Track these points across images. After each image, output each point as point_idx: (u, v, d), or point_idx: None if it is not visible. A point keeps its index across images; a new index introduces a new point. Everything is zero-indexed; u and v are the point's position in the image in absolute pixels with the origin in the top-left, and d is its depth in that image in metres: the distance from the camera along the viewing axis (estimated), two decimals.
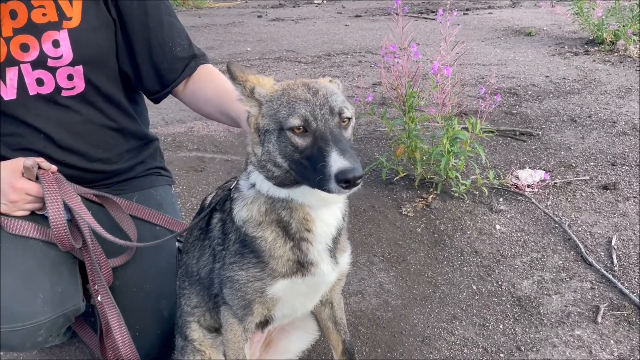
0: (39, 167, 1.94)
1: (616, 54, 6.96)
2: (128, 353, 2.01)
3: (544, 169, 3.89)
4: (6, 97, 1.94)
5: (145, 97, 2.39)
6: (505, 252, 3.10)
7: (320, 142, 1.52)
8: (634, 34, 6.95)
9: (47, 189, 1.92)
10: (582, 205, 3.50)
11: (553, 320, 2.58)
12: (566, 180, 3.79)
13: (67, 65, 1.97)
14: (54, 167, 1.99)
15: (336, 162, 1.47)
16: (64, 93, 2.01)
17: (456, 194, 3.64)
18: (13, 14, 1.88)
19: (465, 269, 2.98)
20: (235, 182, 1.86)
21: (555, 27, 8.68)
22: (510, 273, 2.92)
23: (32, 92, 1.96)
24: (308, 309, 2.05)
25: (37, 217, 2.01)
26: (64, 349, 2.48)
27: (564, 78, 6.07)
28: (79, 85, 2.02)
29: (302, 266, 1.78)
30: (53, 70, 1.96)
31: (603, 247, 3.08)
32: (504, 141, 4.51)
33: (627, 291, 2.70)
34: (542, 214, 3.42)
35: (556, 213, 3.42)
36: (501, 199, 3.61)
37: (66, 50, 1.94)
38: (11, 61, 1.91)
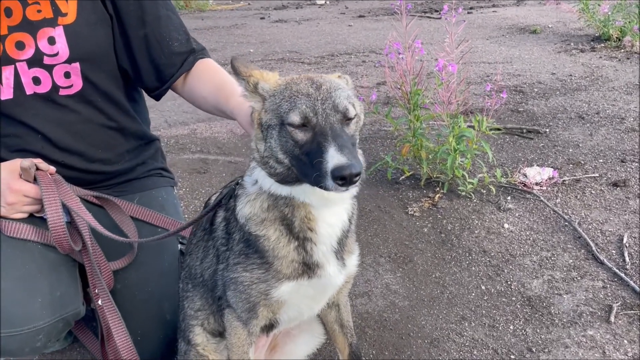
0: (37, 168, 1.90)
1: (623, 50, 6.87)
2: (129, 358, 1.97)
3: (552, 167, 3.82)
4: (3, 97, 1.90)
5: (146, 96, 2.35)
6: (514, 251, 3.04)
7: (319, 138, 1.48)
8: None
9: (45, 190, 1.87)
10: (591, 202, 3.44)
11: (565, 320, 2.52)
12: (575, 177, 3.73)
13: (63, 62, 1.92)
14: (52, 168, 1.95)
15: (333, 158, 1.41)
16: (62, 92, 1.97)
17: (463, 193, 3.58)
18: (8, 12, 1.85)
19: (473, 268, 2.92)
20: (239, 178, 1.81)
21: (560, 25, 8.60)
22: (520, 272, 2.86)
23: (29, 92, 1.92)
24: (315, 312, 1.99)
25: (36, 219, 1.97)
26: (65, 354, 2.44)
27: (571, 75, 6.00)
28: (77, 83, 1.98)
29: (308, 268, 1.72)
30: (49, 68, 1.92)
31: (614, 245, 3.01)
32: (510, 139, 4.44)
33: None
34: (551, 212, 3.36)
35: (565, 211, 3.36)
36: (509, 198, 3.55)
37: (62, 47, 1.90)
38: (7, 60, 1.87)
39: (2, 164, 1.91)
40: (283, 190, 1.63)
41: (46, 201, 1.87)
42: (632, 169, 3.80)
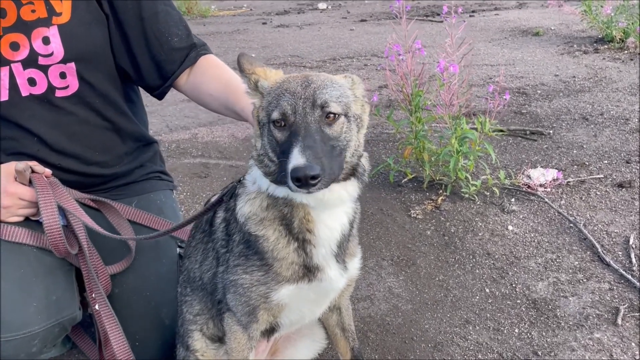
0: (32, 171, 1.88)
1: (626, 51, 6.83)
2: None
3: (556, 168, 3.78)
4: None
5: (146, 100, 2.33)
6: (519, 253, 2.99)
7: (292, 137, 1.46)
8: None
9: (41, 193, 1.85)
10: (597, 204, 3.39)
11: (571, 323, 2.47)
12: (580, 178, 3.68)
13: (58, 62, 1.90)
14: (48, 171, 1.92)
15: (294, 158, 1.39)
16: (58, 93, 1.94)
17: (466, 195, 3.54)
18: (2, 13, 1.83)
19: (477, 271, 2.88)
20: (242, 177, 1.78)
21: (563, 27, 8.56)
22: (525, 275, 2.81)
23: (24, 93, 1.90)
24: (316, 316, 1.96)
25: (32, 223, 1.94)
26: None
27: (574, 76, 5.96)
28: (73, 83, 1.95)
29: (308, 271, 1.69)
30: (44, 69, 1.90)
31: (620, 247, 2.96)
32: (514, 141, 4.40)
33: None
34: (556, 214, 3.31)
35: (570, 212, 3.31)
36: (513, 200, 3.51)
37: (57, 47, 1.88)
38: (1, 61, 1.84)
39: None
40: (280, 191, 1.60)
41: (42, 204, 1.84)
42: (637, 169, 3.75)
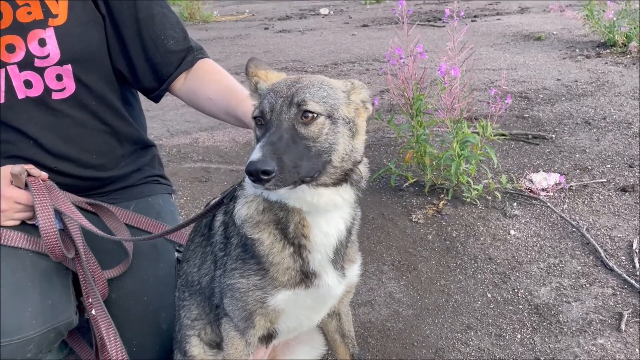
0: (28, 175, 1.86)
1: (629, 55, 6.80)
2: None
3: (558, 172, 3.75)
4: None
5: (145, 102, 2.31)
6: (521, 258, 2.96)
7: (264, 134, 1.44)
8: None
9: (37, 196, 1.83)
10: (599, 208, 3.36)
11: (574, 328, 2.44)
12: (582, 183, 3.65)
13: (55, 64, 1.88)
14: (44, 174, 1.91)
15: (253, 153, 1.37)
16: (55, 95, 1.93)
17: (468, 200, 3.51)
18: None
19: (479, 276, 2.85)
20: (241, 180, 1.76)
21: (565, 31, 8.55)
22: (527, 280, 2.78)
23: (20, 96, 1.88)
24: (314, 323, 1.93)
25: (28, 226, 1.92)
26: None
27: (576, 81, 5.93)
28: (69, 86, 1.93)
29: (306, 277, 1.66)
30: (41, 71, 1.88)
31: (624, 252, 2.93)
32: (516, 145, 4.38)
33: None
34: (559, 218, 3.28)
35: (573, 217, 3.28)
36: (515, 204, 3.48)
37: (53, 48, 1.86)
38: None
39: None
40: (273, 195, 1.56)
41: (38, 208, 1.82)
42: None
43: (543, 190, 3.56)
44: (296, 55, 8.26)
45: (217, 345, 1.95)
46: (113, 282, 2.05)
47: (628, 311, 2.49)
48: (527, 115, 5.00)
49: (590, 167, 3.87)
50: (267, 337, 1.87)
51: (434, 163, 3.65)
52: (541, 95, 5.54)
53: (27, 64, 1.86)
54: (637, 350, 2.29)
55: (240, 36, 10.23)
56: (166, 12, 2.08)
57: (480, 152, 3.49)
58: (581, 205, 3.41)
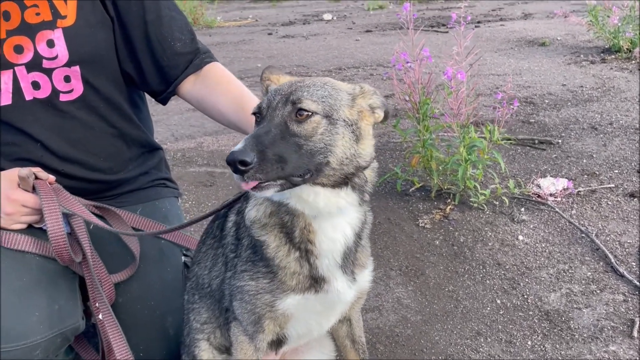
0: (36, 177, 1.84)
1: (634, 61, 6.79)
2: None
3: (566, 178, 3.72)
4: (1, 103, 1.84)
5: (149, 106, 2.29)
6: (530, 263, 2.93)
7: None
8: None
9: (45, 199, 1.80)
10: (608, 214, 3.33)
11: (585, 335, 2.40)
12: (590, 188, 3.63)
13: (63, 66, 1.86)
14: (51, 177, 1.88)
15: (237, 145, 1.36)
16: (62, 97, 1.91)
17: (475, 205, 3.49)
18: (6, 16, 1.80)
19: (488, 282, 2.82)
20: None
21: (569, 37, 8.54)
22: (537, 286, 2.75)
23: (28, 97, 1.86)
24: (324, 329, 1.90)
25: (35, 230, 1.90)
26: None
27: (582, 86, 5.92)
28: (77, 87, 1.92)
29: (315, 282, 1.64)
30: (49, 72, 1.86)
31: (634, 257, 2.90)
32: (522, 150, 4.36)
33: None
34: (567, 224, 3.26)
35: (582, 222, 3.25)
36: (523, 209, 3.45)
37: (61, 50, 1.85)
38: (5, 64, 1.81)
39: (0, 173, 1.84)
40: (276, 195, 1.52)
41: (46, 211, 1.80)
42: None
43: (551, 195, 3.53)
44: (300, 60, 8.26)
45: (226, 349, 1.92)
46: (119, 287, 2.02)
47: None
48: (533, 121, 4.98)
49: (597, 173, 3.85)
50: (277, 343, 1.84)
51: (440, 168, 3.63)
52: (547, 101, 5.53)
53: (35, 65, 1.84)
54: None
55: (244, 41, 10.24)
56: (174, 14, 2.07)
57: (487, 157, 3.47)
58: (590, 210, 3.38)
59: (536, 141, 4.48)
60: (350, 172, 1.51)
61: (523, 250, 3.05)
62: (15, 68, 1.83)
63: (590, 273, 2.81)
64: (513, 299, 2.68)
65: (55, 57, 1.85)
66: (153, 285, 2.07)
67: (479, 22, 10.71)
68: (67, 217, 1.91)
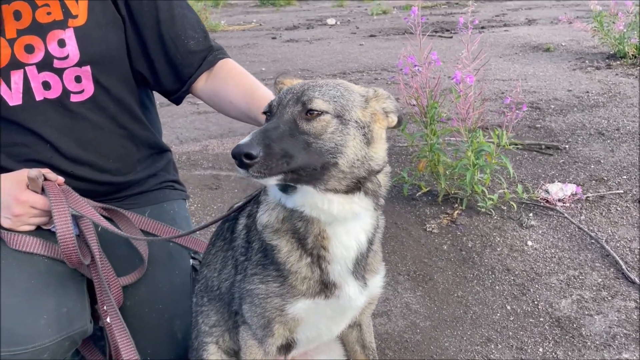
0: (45, 179, 1.82)
1: (639, 67, 6.77)
2: None
3: (574, 183, 3.70)
4: (11, 103, 1.82)
5: (159, 102, 2.27)
6: (540, 269, 2.91)
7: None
8: None
9: (54, 201, 1.78)
10: (618, 220, 3.31)
11: (597, 342, 2.37)
12: (599, 194, 3.60)
13: (74, 65, 1.84)
14: (60, 179, 1.86)
15: (243, 139, 1.34)
16: (73, 98, 1.89)
17: (483, 210, 3.46)
18: (17, 15, 1.78)
19: (497, 287, 2.79)
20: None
21: (574, 43, 8.53)
22: (547, 292, 2.72)
23: (38, 97, 1.84)
24: (334, 334, 1.87)
25: (43, 232, 1.88)
26: None
27: (587, 92, 5.90)
28: (88, 88, 1.90)
29: (325, 287, 1.61)
30: (60, 72, 1.84)
31: None
32: (529, 155, 4.33)
33: None
34: (576, 230, 3.23)
35: (591, 228, 3.23)
36: (531, 215, 3.43)
37: (72, 49, 1.83)
38: (16, 64, 1.79)
39: (9, 174, 1.82)
40: (289, 202, 1.51)
41: (55, 213, 1.78)
42: None
43: (559, 200, 3.50)
44: (304, 64, 8.25)
45: (235, 353, 1.89)
46: (127, 290, 2.00)
47: None
48: (539, 126, 4.96)
49: (606, 178, 3.82)
50: (286, 347, 1.81)
51: (448, 172, 3.61)
52: (552, 106, 5.51)
53: (46, 64, 1.82)
54: None
55: (248, 45, 10.24)
56: (187, 12, 2.05)
57: (495, 161, 3.45)
58: (599, 216, 3.36)
59: (543, 146, 4.46)
60: (362, 176, 1.48)
61: (532, 256, 3.02)
62: (26, 68, 1.81)
63: (601, 279, 2.78)
64: (523, 305, 2.65)
65: (66, 57, 1.83)
66: (161, 289, 2.05)
67: (482, 27, 10.70)
68: (76, 219, 1.89)
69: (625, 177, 3.82)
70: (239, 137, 5.14)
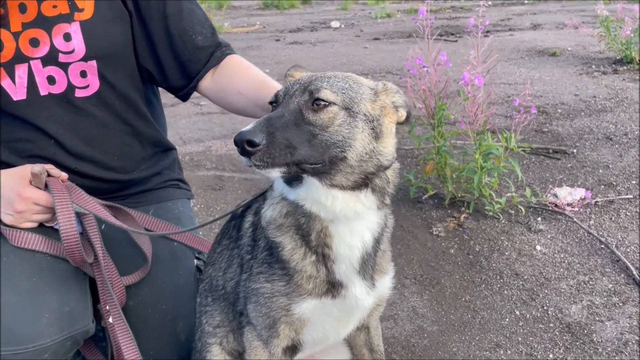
0: (48, 175, 1.78)
1: None
2: None
3: (582, 187, 3.65)
4: (15, 98, 1.78)
5: (163, 102, 2.23)
6: (549, 274, 2.86)
7: None
8: None
9: (58, 197, 1.74)
10: (627, 225, 3.26)
11: (609, 349, 2.33)
12: (608, 198, 3.55)
13: (79, 60, 1.80)
14: (64, 175, 1.82)
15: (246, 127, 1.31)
16: (78, 93, 1.85)
17: (490, 213, 3.41)
18: (22, 8, 1.74)
19: (506, 292, 2.74)
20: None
21: (580, 48, 8.49)
22: (557, 297, 2.68)
23: (43, 92, 1.80)
24: (341, 336, 1.82)
25: (46, 229, 1.84)
26: None
27: (594, 96, 5.85)
28: (93, 83, 1.86)
29: (332, 287, 1.57)
30: (65, 67, 1.80)
31: None
32: (537, 159, 4.29)
33: None
34: (586, 234, 3.18)
35: (601, 233, 3.18)
36: (539, 219, 3.38)
37: (78, 43, 1.79)
38: (20, 57, 1.75)
39: (12, 169, 1.78)
40: (290, 194, 1.48)
41: (59, 210, 1.73)
42: None
43: (568, 205, 3.46)
44: (308, 66, 8.18)
45: (239, 355, 1.84)
46: (130, 290, 1.96)
47: None
48: (546, 130, 4.91)
49: (614, 183, 3.77)
50: (292, 349, 1.77)
51: (455, 175, 3.56)
52: (559, 110, 5.46)
53: (51, 58, 1.78)
54: None
55: (252, 47, 10.22)
56: (194, 7, 2.01)
57: (503, 164, 3.41)
58: (608, 221, 3.31)
59: (551, 150, 4.41)
60: (371, 172, 1.44)
61: (541, 261, 2.97)
62: (31, 62, 1.77)
63: (611, 285, 2.73)
64: (532, 310, 2.60)
65: (72, 51, 1.79)
66: (165, 289, 2.00)
67: (488, 31, 10.65)
68: (79, 216, 1.85)
69: (634, 182, 3.77)
70: None
